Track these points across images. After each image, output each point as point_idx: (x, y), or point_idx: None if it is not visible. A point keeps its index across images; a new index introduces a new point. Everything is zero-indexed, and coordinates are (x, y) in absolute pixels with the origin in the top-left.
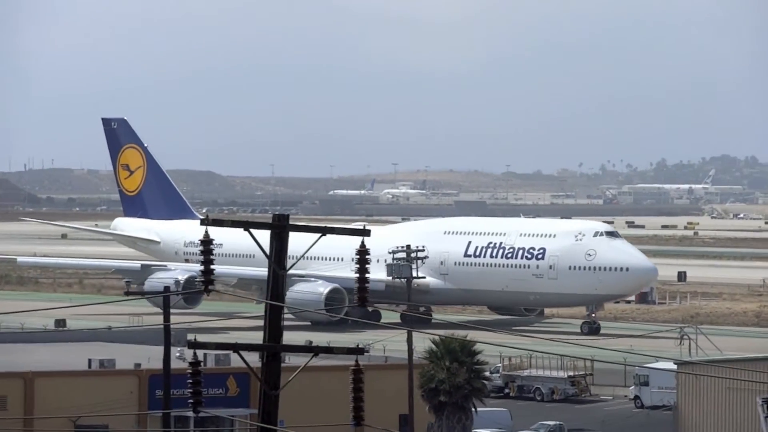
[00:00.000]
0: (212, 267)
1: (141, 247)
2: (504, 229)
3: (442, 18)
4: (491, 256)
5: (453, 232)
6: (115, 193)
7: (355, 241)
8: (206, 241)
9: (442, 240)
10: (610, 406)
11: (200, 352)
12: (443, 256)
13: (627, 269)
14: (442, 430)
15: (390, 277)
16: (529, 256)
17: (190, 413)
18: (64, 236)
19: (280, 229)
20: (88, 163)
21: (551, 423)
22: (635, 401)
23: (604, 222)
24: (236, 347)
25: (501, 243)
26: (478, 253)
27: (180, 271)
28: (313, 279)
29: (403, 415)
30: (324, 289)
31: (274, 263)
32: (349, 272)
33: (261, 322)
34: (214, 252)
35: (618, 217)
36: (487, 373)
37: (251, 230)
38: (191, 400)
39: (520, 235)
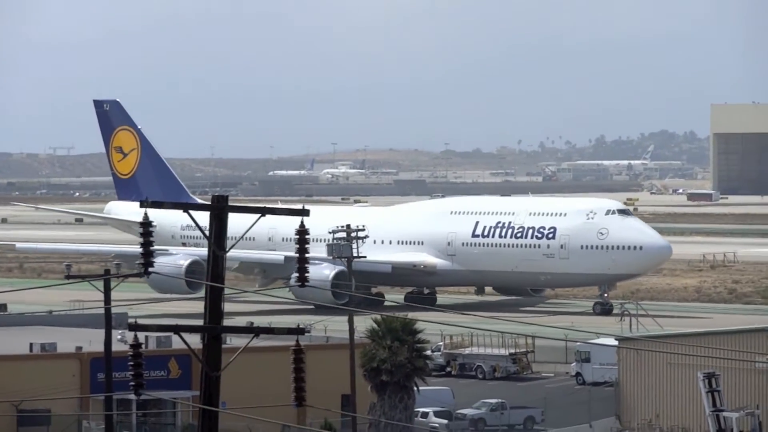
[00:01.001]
0: (151, 249)
1: (136, 231)
2: (513, 209)
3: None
4: (500, 236)
5: (460, 212)
6: (55, 177)
7: (358, 222)
8: (146, 223)
9: (449, 220)
10: (552, 383)
11: (141, 335)
12: (450, 236)
13: (641, 248)
14: (384, 409)
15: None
16: (540, 235)
17: (132, 396)
18: (4, 220)
19: (219, 210)
20: (27, 147)
21: (493, 401)
22: (577, 378)
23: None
24: (177, 329)
25: (510, 222)
26: (486, 233)
27: (182, 256)
28: (317, 261)
29: (345, 395)
30: (330, 271)
31: (214, 244)
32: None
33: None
34: (153, 233)
35: (557, 194)
36: (429, 352)
37: (190, 212)
38: (133, 383)
39: (530, 214)
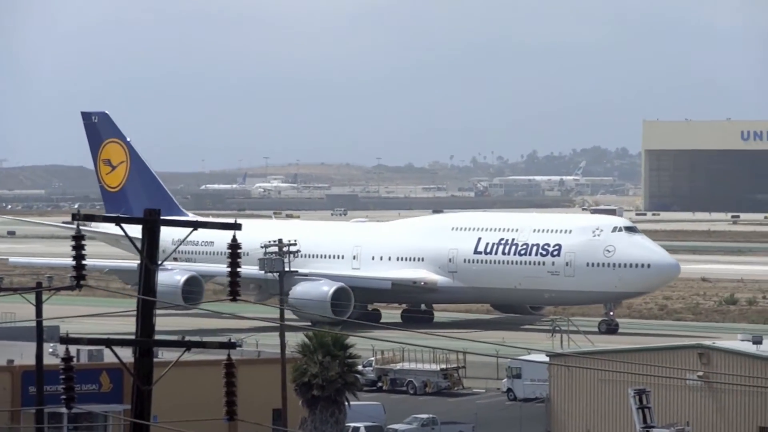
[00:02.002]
0: (83, 262)
1: (125, 245)
2: (516, 225)
3: (311, 16)
4: (503, 253)
5: (461, 228)
6: None
7: (356, 238)
8: (78, 237)
9: (450, 236)
10: (483, 399)
11: (73, 348)
12: (452, 253)
13: (648, 266)
14: (315, 424)
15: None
16: (544, 252)
17: (64, 409)
18: None
19: (152, 223)
20: None
21: (424, 416)
22: (508, 394)
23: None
24: (108, 342)
25: (513, 239)
26: (489, 250)
27: (179, 271)
28: (315, 278)
29: (276, 410)
30: (329, 288)
31: (146, 258)
32: (350, 270)
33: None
34: (85, 247)
35: (489, 209)
36: (360, 367)
37: (122, 225)
38: (64, 396)
39: (534, 230)
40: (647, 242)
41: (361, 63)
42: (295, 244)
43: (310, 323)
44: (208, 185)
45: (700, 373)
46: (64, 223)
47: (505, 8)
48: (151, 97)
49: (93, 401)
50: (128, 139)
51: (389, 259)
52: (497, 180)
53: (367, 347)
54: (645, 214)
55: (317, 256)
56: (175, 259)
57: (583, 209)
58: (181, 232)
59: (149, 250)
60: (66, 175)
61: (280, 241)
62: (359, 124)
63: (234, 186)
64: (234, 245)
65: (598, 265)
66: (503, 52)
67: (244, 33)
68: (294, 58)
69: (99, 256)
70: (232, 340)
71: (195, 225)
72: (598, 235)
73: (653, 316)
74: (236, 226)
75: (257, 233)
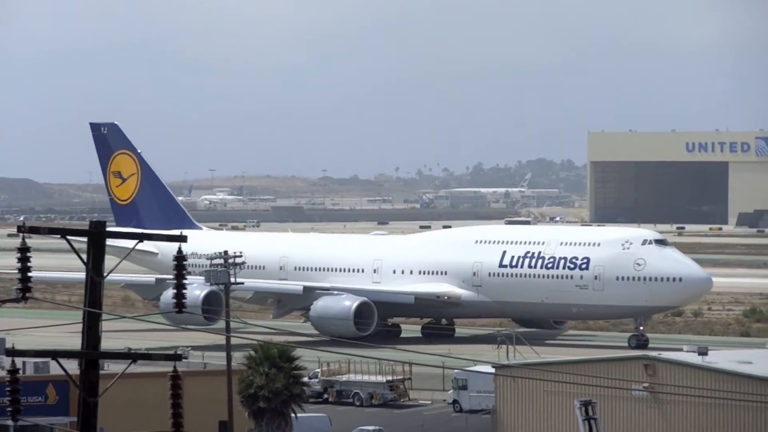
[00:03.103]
0: (29, 274)
1: (137, 259)
2: (542, 238)
3: (256, 27)
4: (529, 266)
5: (486, 241)
6: None
7: (376, 251)
8: (23, 249)
9: (474, 249)
10: (429, 411)
11: (19, 360)
12: (476, 266)
13: (680, 279)
14: None
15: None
16: (572, 266)
17: (9, 422)
18: None
19: (97, 236)
20: None
21: (370, 428)
22: (454, 405)
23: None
24: (54, 354)
25: (540, 252)
26: (514, 263)
27: (198, 285)
28: (336, 292)
29: (222, 422)
30: (352, 302)
31: (92, 270)
32: (371, 284)
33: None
34: (31, 259)
35: (435, 221)
36: (306, 379)
37: (68, 237)
38: (10, 409)
39: (561, 243)
40: (678, 255)
41: (306, 76)
42: (240, 256)
43: (329, 338)
44: None
45: (646, 384)
46: (11, 234)
47: (449, 25)
48: (96, 106)
49: (39, 413)
50: (139, 151)
51: (411, 272)
52: (443, 192)
53: (313, 359)
54: (590, 226)
55: (336, 270)
56: (189, 273)
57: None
58: (193, 246)
59: (95, 262)
60: (12, 187)
61: (225, 252)
62: (305, 136)
63: (180, 198)
64: (180, 257)
65: (628, 278)
66: (448, 66)
67: (188, 44)
68: (239, 71)
69: (120, 271)
70: (178, 352)
71: (140, 237)
72: (628, 248)
73: (599, 327)
74: (182, 238)
75: (272, 247)
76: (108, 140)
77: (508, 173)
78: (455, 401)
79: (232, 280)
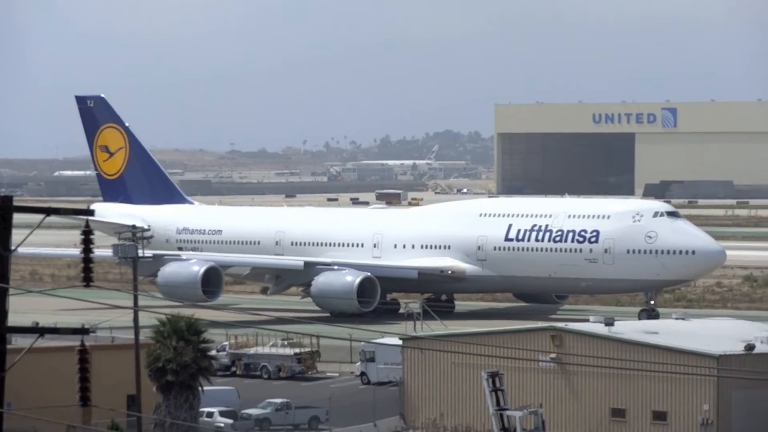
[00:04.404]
0: None
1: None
2: (549, 211)
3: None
4: (536, 240)
5: (491, 214)
6: None
7: (376, 226)
8: None
9: (479, 222)
10: (337, 383)
11: None
12: (481, 240)
13: (693, 252)
14: (169, 409)
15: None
16: (581, 239)
17: None
18: None
19: (4, 210)
20: None
21: (278, 401)
22: (362, 377)
23: (331, 198)
24: None
25: (547, 225)
26: (521, 237)
27: (197, 261)
28: (338, 267)
29: (130, 395)
30: (354, 278)
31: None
32: (371, 259)
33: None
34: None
35: (342, 193)
36: (214, 352)
37: None
38: None
39: (569, 216)
40: (691, 228)
41: (214, 50)
42: (148, 230)
43: (329, 314)
44: (61, 172)
45: (553, 355)
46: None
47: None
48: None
49: None
50: (127, 124)
51: (412, 247)
52: (350, 165)
53: (221, 332)
54: (498, 198)
55: (334, 245)
56: (180, 249)
57: (436, 193)
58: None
59: (2, 236)
60: None
61: (134, 227)
62: (212, 109)
63: (87, 173)
64: (87, 231)
65: (639, 251)
66: (355, 39)
67: (93, 16)
68: (145, 43)
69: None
70: (86, 326)
71: (48, 211)
72: (639, 221)
73: (507, 299)
74: (89, 212)
75: (268, 222)
76: (95, 113)
77: (416, 145)
78: (363, 373)
79: (140, 253)
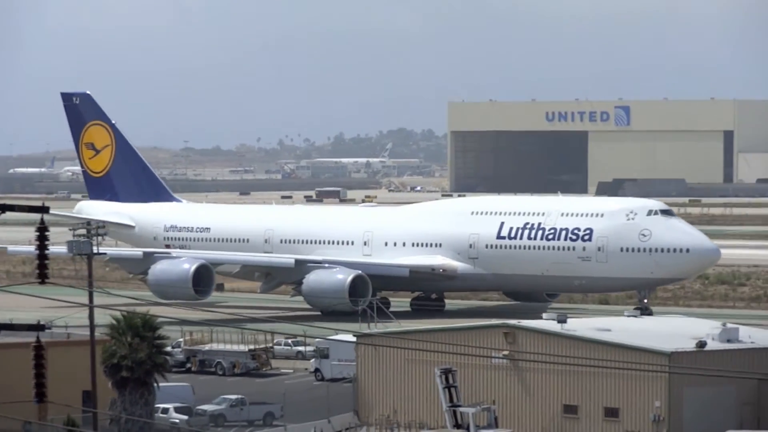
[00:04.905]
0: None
1: (112, 233)
2: (542, 209)
3: None
4: (529, 238)
5: (483, 213)
6: None
7: (367, 223)
8: None
9: (471, 220)
10: (291, 380)
11: None
12: (472, 238)
13: (687, 250)
14: (125, 405)
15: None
16: (574, 237)
17: None
18: None
19: None
20: None
21: (233, 397)
22: (316, 374)
23: (285, 195)
24: None
25: (540, 224)
26: (513, 235)
27: (187, 259)
28: (328, 265)
29: (86, 392)
30: (346, 276)
31: None
32: (362, 257)
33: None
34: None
35: (296, 191)
36: (169, 348)
37: None
38: None
39: (562, 214)
40: (685, 226)
41: (166, 44)
42: (103, 227)
43: (320, 312)
44: (16, 169)
45: (506, 352)
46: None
47: None
48: None
49: None
50: (113, 122)
51: (403, 245)
52: (304, 162)
53: (175, 328)
54: (451, 196)
55: (324, 242)
56: (168, 246)
57: (390, 190)
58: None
59: None
60: None
61: (88, 223)
62: (166, 107)
63: (42, 170)
64: (42, 228)
65: (632, 250)
66: (308, 35)
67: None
68: (99, 39)
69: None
70: (41, 323)
71: (2, 208)
72: (632, 219)
73: (461, 297)
74: (44, 209)
75: (257, 219)
76: (80, 110)
77: (369, 143)
78: (317, 370)
79: (95, 250)
